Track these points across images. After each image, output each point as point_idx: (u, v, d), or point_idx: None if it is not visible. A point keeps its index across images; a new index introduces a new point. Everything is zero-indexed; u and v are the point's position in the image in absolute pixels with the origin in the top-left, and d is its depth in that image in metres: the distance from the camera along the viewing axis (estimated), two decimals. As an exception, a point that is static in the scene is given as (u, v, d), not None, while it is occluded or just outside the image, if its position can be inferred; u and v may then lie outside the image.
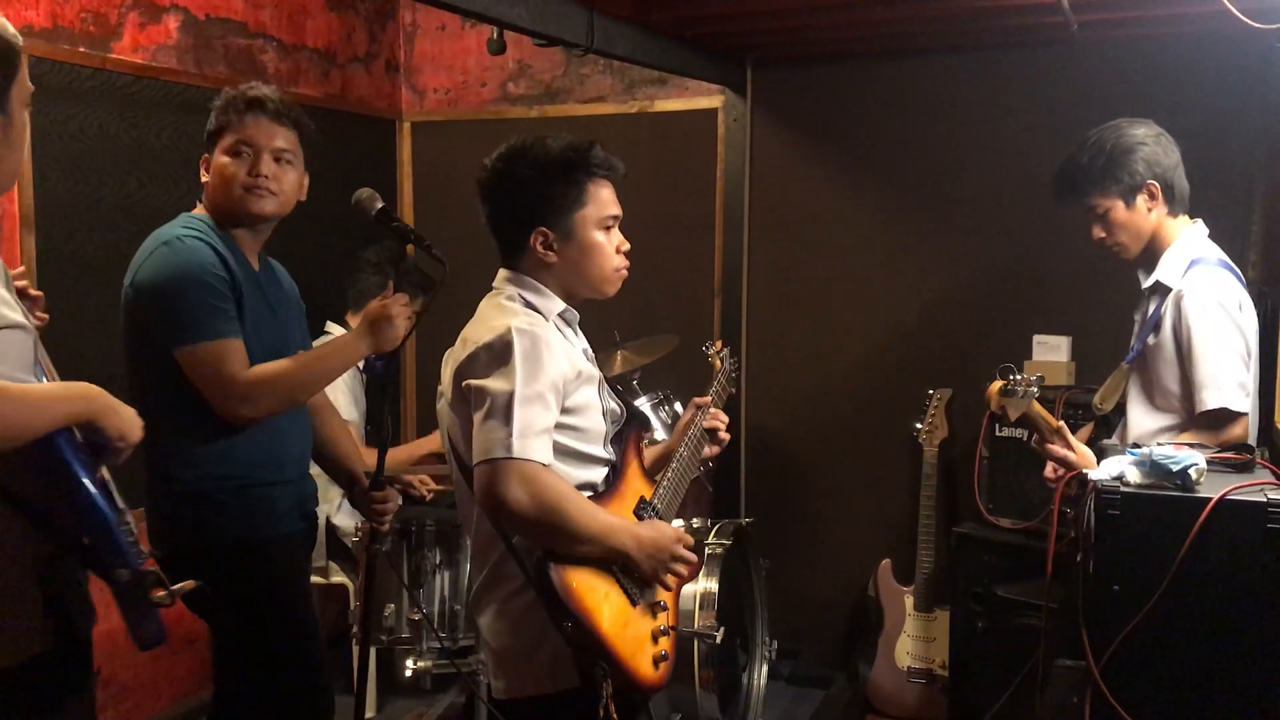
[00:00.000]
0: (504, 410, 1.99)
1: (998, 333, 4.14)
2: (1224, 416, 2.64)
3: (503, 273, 2.23)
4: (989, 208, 4.20)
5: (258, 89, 2.62)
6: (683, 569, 2.20)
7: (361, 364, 3.87)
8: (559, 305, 2.19)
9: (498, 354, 2.04)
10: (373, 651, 3.57)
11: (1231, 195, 3.62)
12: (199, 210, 2.65)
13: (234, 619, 2.61)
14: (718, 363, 2.76)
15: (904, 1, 3.49)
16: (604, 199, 2.19)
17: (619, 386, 3.56)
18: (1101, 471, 2.18)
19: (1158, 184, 2.78)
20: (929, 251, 4.30)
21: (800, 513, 4.57)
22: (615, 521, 2.10)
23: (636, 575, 2.14)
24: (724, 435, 2.50)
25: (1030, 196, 4.11)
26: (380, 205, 2.56)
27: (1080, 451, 2.70)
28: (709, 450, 2.49)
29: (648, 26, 3.64)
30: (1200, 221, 2.85)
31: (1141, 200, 2.79)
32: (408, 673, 3.34)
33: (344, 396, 3.72)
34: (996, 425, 3.87)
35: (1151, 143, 2.80)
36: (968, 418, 4.06)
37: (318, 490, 2.81)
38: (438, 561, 3.37)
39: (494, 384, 2.01)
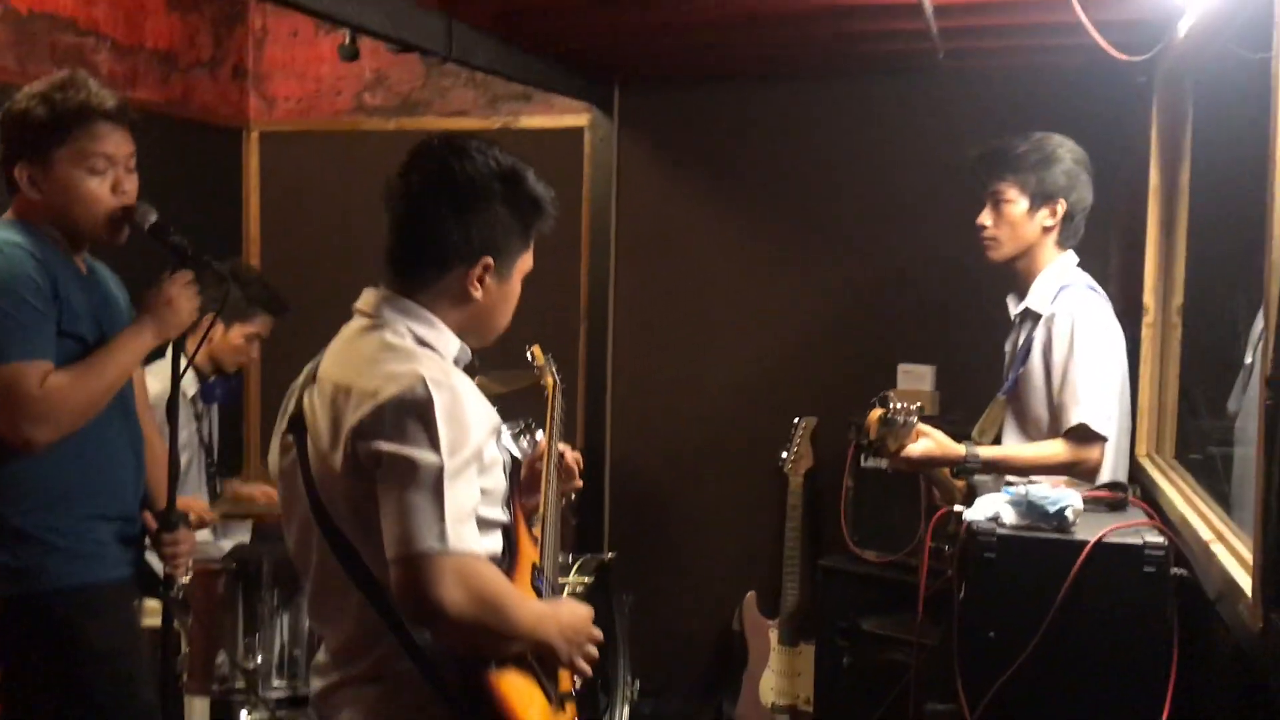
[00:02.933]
0: (432, 490, 1.64)
1: (863, 360, 4.10)
2: (1084, 434, 2.62)
3: (379, 296, 1.85)
4: (856, 234, 4.17)
5: (91, 88, 2.33)
6: (594, 650, 1.94)
7: (198, 391, 3.66)
8: (455, 342, 1.84)
9: (414, 413, 1.67)
10: (206, 703, 3.30)
11: (1090, 230, 3.64)
12: (8, 216, 2.39)
13: (55, 684, 2.34)
14: (549, 379, 2.55)
15: (770, 26, 3.42)
16: (532, 250, 1.94)
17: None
18: (976, 511, 2.10)
19: (1065, 207, 2.77)
20: (796, 277, 4.25)
21: (665, 545, 4.45)
22: (540, 610, 1.83)
23: (551, 667, 1.87)
24: (571, 464, 2.26)
25: (896, 223, 4.10)
26: (154, 220, 2.35)
27: (939, 438, 2.67)
28: (569, 486, 2.30)
29: (509, 38, 3.49)
30: (1071, 250, 2.85)
31: (1044, 213, 2.80)
32: (242, 725, 3.09)
33: (181, 413, 3.43)
34: (861, 455, 3.82)
35: (1080, 170, 2.83)
36: (834, 447, 4.00)
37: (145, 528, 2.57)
38: (275, 604, 3.12)
39: (416, 454, 1.65)
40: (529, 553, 1.95)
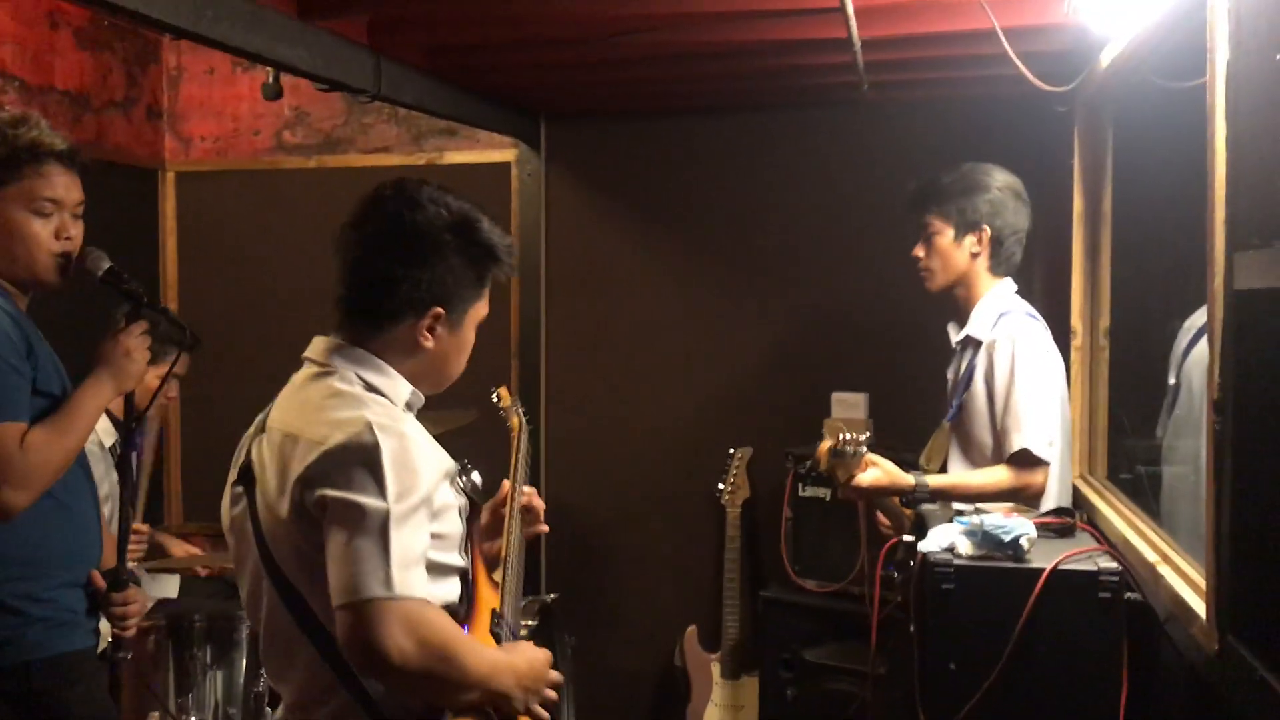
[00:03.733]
0: (378, 535, 1.61)
1: (797, 390, 4.11)
2: (1027, 459, 2.66)
3: (330, 344, 1.83)
4: (786, 265, 4.19)
5: (43, 128, 2.27)
6: (553, 694, 1.90)
7: (115, 440, 3.52)
8: (406, 388, 1.82)
9: (360, 459, 1.65)
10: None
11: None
12: None
13: None
14: (515, 420, 2.52)
15: (696, 61, 3.44)
16: (488, 297, 1.91)
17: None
18: (931, 542, 2.10)
19: (990, 232, 2.81)
20: (728, 309, 4.25)
21: (603, 584, 4.40)
22: (497, 658, 1.79)
23: (507, 714, 1.82)
24: (538, 506, 2.21)
25: (826, 253, 4.13)
26: (107, 266, 2.29)
27: (888, 467, 2.70)
28: (533, 530, 2.22)
29: (438, 75, 3.45)
30: (1010, 279, 2.89)
31: (969, 240, 2.84)
32: (176, 789, 2.97)
33: (99, 466, 3.29)
34: (800, 484, 3.83)
35: (1006, 196, 2.87)
36: (771, 477, 4.00)
37: None
38: (208, 661, 3.02)
39: (362, 499, 1.63)
40: (489, 598, 1.92)
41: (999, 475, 2.67)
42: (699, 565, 4.27)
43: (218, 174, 4.61)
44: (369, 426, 1.66)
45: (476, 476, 3.85)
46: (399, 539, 1.62)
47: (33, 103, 3.92)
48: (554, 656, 3.49)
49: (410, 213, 1.79)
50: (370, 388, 1.77)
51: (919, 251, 2.92)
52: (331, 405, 1.72)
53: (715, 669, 4.00)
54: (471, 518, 1.92)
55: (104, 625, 3.26)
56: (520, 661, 1.82)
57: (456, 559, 1.82)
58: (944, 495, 2.66)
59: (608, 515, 4.40)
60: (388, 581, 1.59)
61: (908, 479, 2.67)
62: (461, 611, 1.81)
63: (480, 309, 1.88)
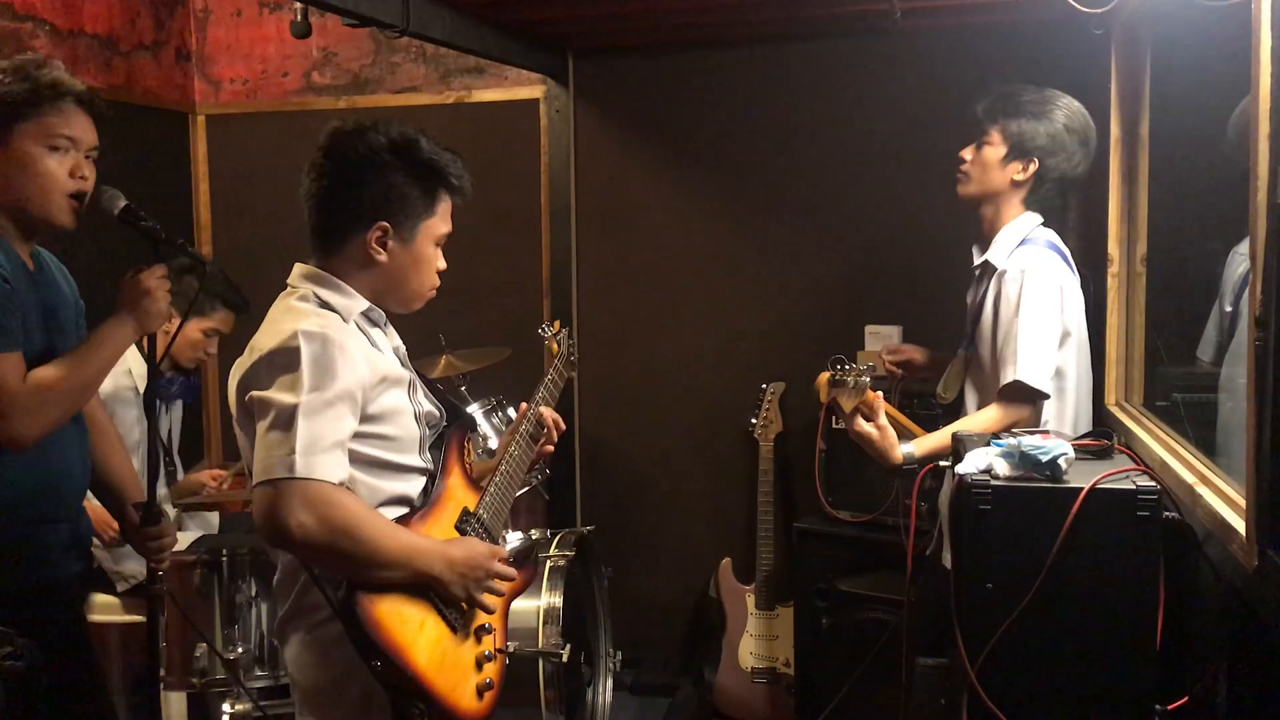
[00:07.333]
0: (287, 423, 1.81)
1: (830, 324, 4.10)
2: (1019, 391, 2.61)
3: (300, 269, 2.05)
4: (818, 199, 4.16)
5: (61, 69, 2.28)
6: (502, 586, 2.05)
7: (148, 387, 3.56)
8: (362, 304, 2.02)
9: (283, 361, 1.86)
10: (184, 698, 3.25)
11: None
12: None
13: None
14: (554, 347, 2.58)
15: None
16: (446, 215, 2.08)
17: (443, 389, 3.32)
18: (967, 465, 2.10)
19: (1038, 166, 2.75)
20: (760, 244, 4.24)
21: (638, 516, 4.44)
22: (420, 543, 1.94)
23: (449, 598, 1.98)
24: (548, 422, 2.32)
25: (858, 186, 4.10)
26: (123, 204, 2.30)
27: (889, 433, 2.68)
28: (540, 446, 2.32)
29: (465, 9, 3.43)
30: (1038, 214, 2.84)
31: (1015, 166, 2.77)
32: (226, 718, 3.03)
33: (132, 411, 3.33)
34: (834, 418, 3.83)
35: (1069, 138, 2.76)
36: (803, 411, 4.02)
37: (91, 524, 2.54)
38: (253, 593, 3.07)
39: (277, 395, 1.84)
40: (461, 499, 2.10)
41: (984, 418, 2.62)
42: (733, 499, 4.30)
43: (247, 116, 4.62)
44: (295, 334, 1.87)
45: (511, 411, 3.90)
46: (307, 428, 1.80)
47: (63, 46, 3.93)
48: (592, 587, 3.56)
49: (353, 140, 1.99)
50: (325, 304, 1.97)
51: (966, 153, 2.84)
52: (278, 319, 1.94)
53: (750, 600, 4.04)
54: (458, 429, 2.15)
55: (134, 567, 3.33)
56: (456, 551, 1.97)
57: (414, 459, 2.04)
58: (935, 456, 2.63)
59: (642, 450, 4.43)
60: (290, 465, 1.79)
61: (896, 455, 2.65)
62: (419, 505, 2.02)
63: (435, 226, 2.04)
